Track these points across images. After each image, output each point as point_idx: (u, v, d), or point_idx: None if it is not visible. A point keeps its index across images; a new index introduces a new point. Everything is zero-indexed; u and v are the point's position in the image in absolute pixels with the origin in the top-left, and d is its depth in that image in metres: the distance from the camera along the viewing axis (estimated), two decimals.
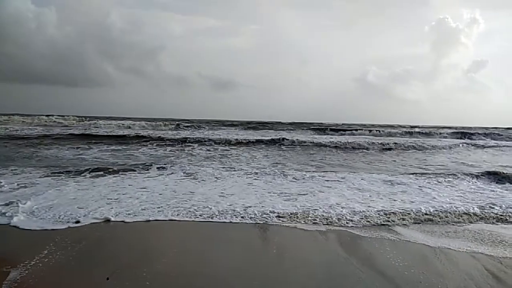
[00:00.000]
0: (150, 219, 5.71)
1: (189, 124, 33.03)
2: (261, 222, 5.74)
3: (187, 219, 5.81)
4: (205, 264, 4.21)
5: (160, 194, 7.31)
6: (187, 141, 19.14)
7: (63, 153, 14.05)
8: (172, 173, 9.74)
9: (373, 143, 19.15)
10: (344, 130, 32.46)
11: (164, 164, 11.07)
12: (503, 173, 10.24)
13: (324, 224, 5.73)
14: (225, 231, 5.39)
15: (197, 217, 5.87)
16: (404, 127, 36.63)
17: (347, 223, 5.82)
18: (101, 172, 9.45)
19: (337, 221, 5.89)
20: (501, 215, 6.43)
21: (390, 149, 18.23)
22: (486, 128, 36.51)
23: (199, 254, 4.54)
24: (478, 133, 30.31)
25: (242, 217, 5.93)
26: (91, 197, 6.88)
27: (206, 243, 4.96)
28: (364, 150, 17.80)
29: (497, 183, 9.51)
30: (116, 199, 6.83)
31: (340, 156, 15.90)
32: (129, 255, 4.38)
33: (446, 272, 4.09)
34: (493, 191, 8.60)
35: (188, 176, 9.42)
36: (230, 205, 6.55)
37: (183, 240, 5.06)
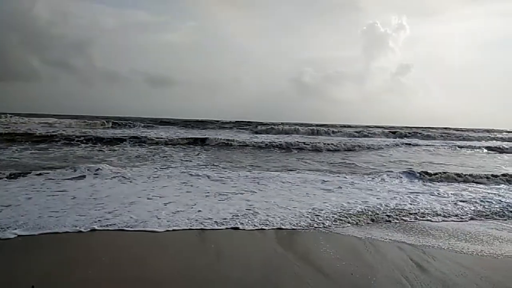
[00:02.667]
0: (66, 230, 5.05)
1: (121, 122, 31.35)
2: (196, 225, 5.49)
3: (123, 228, 5.33)
4: (138, 270, 3.91)
5: (73, 198, 6.66)
6: (119, 139, 18.19)
7: None
8: (99, 173, 9.10)
9: (306, 143, 19.62)
10: (281, 129, 32.91)
11: (91, 164, 10.36)
12: (425, 171, 10.90)
13: (261, 223, 5.66)
14: (155, 237, 5.03)
15: (124, 223, 5.39)
16: (336, 126, 38.04)
17: (283, 220, 5.83)
18: (18, 175, 8.59)
19: (273, 218, 5.87)
20: (422, 208, 6.94)
21: (324, 149, 18.79)
22: (411, 128, 39.10)
23: (131, 261, 4.18)
24: (405, 132, 32.28)
25: (172, 221, 5.59)
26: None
27: (139, 251, 4.63)
28: (298, 150, 18.20)
29: (421, 178, 10.14)
30: (20, 204, 6.13)
31: (276, 155, 16.11)
32: (54, 264, 3.96)
33: (375, 262, 4.25)
34: (415, 186, 9.24)
35: (116, 176, 8.87)
36: (157, 210, 6.10)
37: (111, 249, 4.69)
